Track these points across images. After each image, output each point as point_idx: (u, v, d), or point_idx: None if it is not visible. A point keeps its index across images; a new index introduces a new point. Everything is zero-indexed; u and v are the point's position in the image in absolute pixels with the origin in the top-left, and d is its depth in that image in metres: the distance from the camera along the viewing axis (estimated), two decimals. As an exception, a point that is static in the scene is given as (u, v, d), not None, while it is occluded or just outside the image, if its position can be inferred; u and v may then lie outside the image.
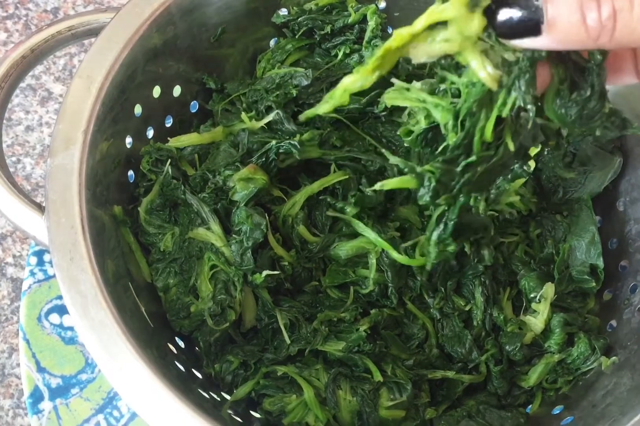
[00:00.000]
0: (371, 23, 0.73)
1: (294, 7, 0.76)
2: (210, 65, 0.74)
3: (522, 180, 0.67)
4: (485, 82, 0.41)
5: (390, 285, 0.65)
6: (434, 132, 0.48)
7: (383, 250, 0.64)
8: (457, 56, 0.42)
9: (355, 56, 0.74)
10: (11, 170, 0.81)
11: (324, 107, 0.49)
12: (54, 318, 0.77)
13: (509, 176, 0.48)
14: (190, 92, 0.74)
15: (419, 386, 0.65)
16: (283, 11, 0.76)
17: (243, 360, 0.64)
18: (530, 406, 0.67)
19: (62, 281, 0.54)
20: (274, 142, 0.66)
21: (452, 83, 0.44)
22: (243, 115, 0.69)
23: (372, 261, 0.65)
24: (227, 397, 0.63)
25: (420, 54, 0.43)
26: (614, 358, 0.64)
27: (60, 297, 0.77)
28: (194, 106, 0.75)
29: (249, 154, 0.67)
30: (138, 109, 0.66)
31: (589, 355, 0.65)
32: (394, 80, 0.48)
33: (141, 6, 0.63)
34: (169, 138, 0.69)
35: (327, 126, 0.72)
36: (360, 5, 0.75)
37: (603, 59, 0.41)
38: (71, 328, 0.77)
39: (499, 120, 0.44)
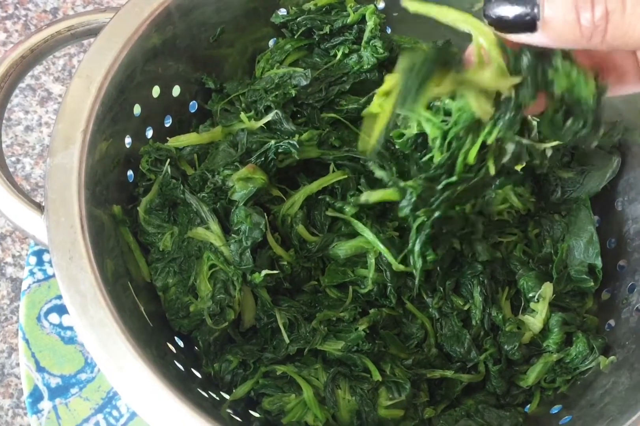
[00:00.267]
0: (370, 23, 0.73)
1: (293, 7, 0.76)
2: (209, 65, 0.74)
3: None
4: (477, 114, 0.42)
5: (389, 284, 0.65)
6: (423, 138, 0.49)
7: None
8: None
9: (354, 56, 0.74)
10: (10, 170, 0.81)
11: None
12: (54, 317, 0.77)
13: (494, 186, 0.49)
14: (189, 92, 0.74)
15: (418, 386, 0.65)
16: (282, 11, 0.76)
17: (242, 359, 0.64)
18: (528, 405, 0.68)
19: (62, 280, 0.54)
20: (273, 141, 0.66)
21: (446, 103, 0.45)
22: (242, 115, 0.69)
23: (371, 261, 0.65)
24: (227, 396, 0.64)
25: None
26: (612, 357, 0.64)
27: (59, 297, 0.77)
28: (193, 106, 0.75)
29: (248, 154, 0.67)
30: (137, 109, 0.66)
31: (587, 355, 0.65)
32: None
33: (140, 6, 0.63)
34: (168, 138, 0.70)
35: (325, 126, 0.72)
36: (359, 6, 0.76)
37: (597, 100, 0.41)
38: (70, 328, 0.77)
39: (484, 145, 0.45)
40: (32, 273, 0.78)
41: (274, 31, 0.77)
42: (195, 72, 0.73)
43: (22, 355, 0.75)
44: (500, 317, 0.66)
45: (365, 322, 0.64)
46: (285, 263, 0.65)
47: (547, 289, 0.67)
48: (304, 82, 0.71)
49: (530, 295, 0.67)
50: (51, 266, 0.78)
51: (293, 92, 0.70)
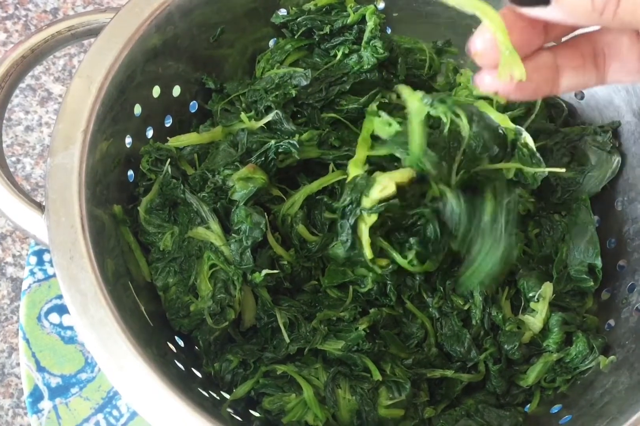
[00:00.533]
0: (370, 23, 0.73)
1: (293, 8, 0.76)
2: (209, 65, 0.74)
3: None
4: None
5: (388, 282, 0.65)
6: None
7: (382, 248, 0.64)
8: None
9: (354, 56, 0.74)
10: (11, 170, 0.81)
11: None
12: (54, 317, 0.77)
13: None
14: (189, 92, 0.74)
15: (418, 386, 0.66)
16: (282, 11, 0.76)
17: (242, 359, 0.64)
18: (528, 405, 0.68)
19: (62, 280, 0.54)
20: (273, 141, 0.66)
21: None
22: (242, 115, 0.69)
23: (371, 259, 0.65)
24: (227, 396, 0.64)
25: None
26: (612, 357, 0.64)
27: (60, 297, 0.77)
28: (194, 106, 0.75)
29: (248, 154, 0.67)
30: (138, 109, 0.66)
31: (587, 354, 0.65)
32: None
33: (141, 6, 0.64)
34: (168, 138, 0.70)
35: (326, 126, 0.72)
36: (359, 6, 0.76)
37: None
38: (71, 328, 0.77)
39: None
40: (32, 273, 0.78)
41: (274, 31, 0.77)
42: (196, 72, 0.73)
43: (23, 354, 0.75)
44: (500, 316, 0.66)
45: (366, 322, 0.64)
46: (286, 262, 0.65)
47: (547, 289, 0.67)
48: (304, 82, 0.72)
49: (530, 294, 0.67)
50: (51, 266, 0.78)
51: (293, 92, 0.71)
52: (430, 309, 0.68)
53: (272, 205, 0.67)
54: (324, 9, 0.76)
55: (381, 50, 0.72)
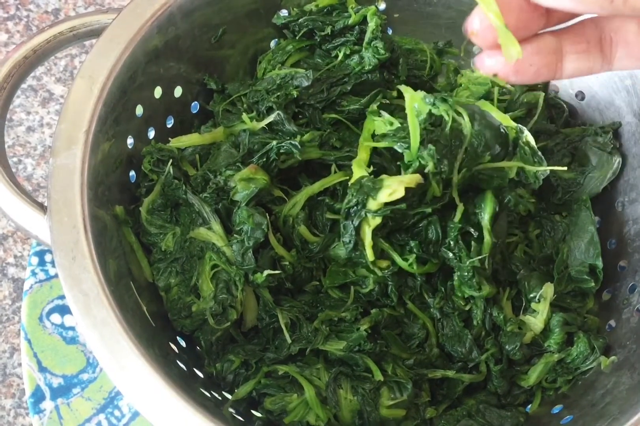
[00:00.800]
0: (371, 24, 0.73)
1: (295, 9, 0.76)
2: (211, 66, 0.74)
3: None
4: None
5: (390, 283, 0.65)
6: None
7: (382, 249, 0.64)
8: None
9: (356, 57, 0.74)
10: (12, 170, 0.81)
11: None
12: (55, 318, 0.77)
13: None
14: (191, 93, 0.74)
15: (420, 386, 0.66)
16: (283, 12, 0.76)
17: (244, 359, 0.64)
18: (530, 405, 0.68)
19: (64, 280, 0.54)
20: (274, 142, 0.66)
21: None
22: (244, 115, 0.69)
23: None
24: (229, 396, 0.64)
25: None
26: (613, 357, 0.64)
27: (61, 297, 0.77)
28: (195, 107, 0.75)
29: (249, 154, 0.68)
30: (139, 110, 0.66)
31: (588, 355, 0.65)
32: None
33: (143, 7, 0.64)
34: (170, 139, 0.70)
35: (327, 127, 0.72)
36: (360, 7, 0.76)
37: None
38: (72, 328, 0.77)
39: None
40: (34, 273, 0.78)
41: (275, 32, 0.77)
42: (197, 73, 0.73)
43: (24, 355, 0.75)
44: (502, 317, 0.66)
45: (367, 322, 0.65)
46: (287, 263, 0.65)
47: (548, 289, 0.67)
48: (305, 83, 0.72)
49: (531, 295, 0.67)
50: (53, 266, 0.78)
51: (295, 93, 0.71)
52: (431, 309, 0.68)
53: (273, 206, 0.67)
54: (325, 10, 0.76)
55: (382, 51, 0.72)
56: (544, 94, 0.74)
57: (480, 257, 0.62)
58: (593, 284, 0.69)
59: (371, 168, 0.63)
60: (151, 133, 0.70)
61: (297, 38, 0.76)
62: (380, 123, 0.65)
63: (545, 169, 0.63)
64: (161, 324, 0.64)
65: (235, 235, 0.63)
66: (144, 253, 0.66)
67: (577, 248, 0.70)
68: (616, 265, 0.71)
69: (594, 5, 0.36)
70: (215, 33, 0.72)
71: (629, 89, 0.70)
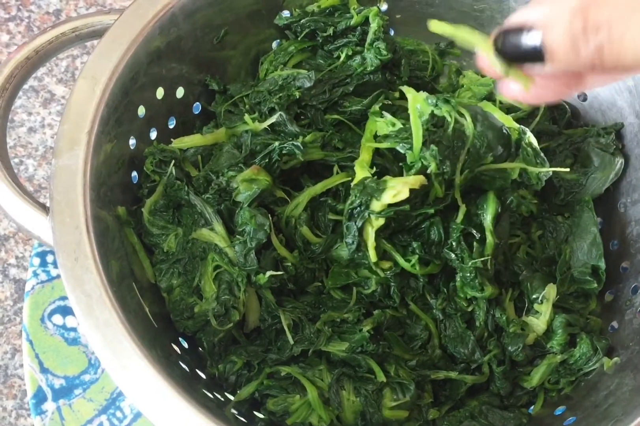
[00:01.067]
0: (373, 25, 0.73)
1: (297, 9, 0.76)
2: (213, 67, 0.74)
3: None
4: None
5: (392, 284, 0.65)
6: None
7: (385, 250, 0.64)
8: None
9: (358, 58, 0.74)
10: (14, 171, 0.81)
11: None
12: (57, 319, 0.77)
13: None
14: (193, 94, 0.74)
15: (422, 387, 0.66)
16: (285, 13, 0.76)
17: (247, 360, 0.64)
18: (532, 406, 0.68)
19: (67, 281, 0.54)
20: (277, 143, 0.66)
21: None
22: (246, 116, 0.69)
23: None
24: (231, 397, 0.64)
25: None
26: (615, 358, 0.64)
27: (63, 298, 0.77)
28: (197, 107, 0.75)
29: (252, 155, 0.67)
30: (141, 110, 0.66)
31: (591, 356, 0.65)
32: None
33: (145, 8, 0.64)
34: (172, 140, 0.70)
35: (329, 128, 0.72)
36: (362, 8, 0.76)
37: None
38: (74, 329, 0.77)
39: None
40: (35, 274, 0.78)
41: (277, 33, 0.77)
42: (199, 74, 0.73)
43: (26, 356, 0.75)
44: (504, 318, 0.66)
45: (370, 323, 0.64)
46: (290, 264, 0.65)
47: (551, 290, 0.67)
48: (307, 84, 0.72)
49: (534, 296, 0.67)
50: (55, 267, 0.78)
51: (297, 94, 0.71)
52: (434, 311, 0.68)
53: (276, 207, 0.67)
54: (327, 11, 0.76)
55: (384, 52, 0.72)
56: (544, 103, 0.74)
57: (482, 259, 0.62)
58: (596, 285, 0.69)
59: (374, 169, 0.63)
60: (153, 134, 0.70)
61: (299, 39, 0.76)
62: (383, 124, 0.65)
63: (547, 170, 0.63)
64: (163, 325, 0.63)
65: (237, 236, 0.63)
66: (146, 254, 0.66)
67: (580, 249, 0.70)
68: (619, 266, 0.71)
69: (578, 68, 0.37)
70: (217, 34, 0.72)
71: (632, 89, 0.70)
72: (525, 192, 0.71)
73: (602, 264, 0.69)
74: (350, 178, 0.67)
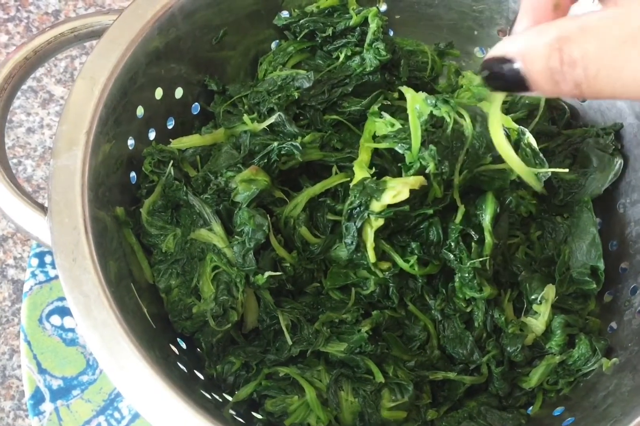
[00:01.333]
0: (372, 25, 0.73)
1: (296, 10, 0.76)
2: (212, 67, 0.74)
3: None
4: None
5: (391, 285, 0.65)
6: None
7: (384, 250, 0.64)
8: None
9: (357, 58, 0.74)
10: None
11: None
12: (55, 319, 0.77)
13: None
14: (192, 94, 0.74)
15: (421, 388, 0.66)
16: (284, 13, 0.76)
17: (245, 361, 0.64)
18: (531, 407, 0.68)
19: (65, 281, 0.54)
20: (275, 143, 0.66)
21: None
22: (245, 117, 0.69)
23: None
24: (229, 398, 0.64)
25: None
26: (614, 359, 0.64)
27: (61, 299, 0.77)
28: (196, 108, 0.75)
29: (250, 156, 0.67)
30: (140, 111, 0.66)
31: (590, 357, 0.65)
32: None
33: (143, 8, 0.64)
34: (170, 140, 0.70)
35: (328, 128, 0.72)
36: (361, 8, 0.76)
37: None
38: (72, 330, 0.77)
39: None
40: (33, 275, 0.78)
41: (276, 33, 0.77)
42: (198, 74, 0.73)
43: (24, 356, 0.75)
44: (503, 318, 0.66)
45: (368, 324, 0.64)
46: (288, 264, 0.65)
47: (550, 291, 0.67)
48: (306, 84, 0.72)
49: (533, 297, 0.67)
50: (53, 268, 0.78)
51: (296, 94, 0.71)
52: (432, 311, 0.67)
53: (274, 207, 0.67)
54: (326, 11, 0.76)
55: (383, 53, 0.72)
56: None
57: (480, 259, 0.62)
58: (594, 286, 0.68)
59: (373, 169, 0.63)
60: (152, 135, 0.70)
61: (298, 39, 0.76)
62: (381, 124, 0.65)
63: (546, 171, 0.63)
64: (162, 326, 0.63)
65: (236, 236, 0.63)
66: (144, 254, 0.66)
67: (579, 249, 0.70)
68: (618, 267, 0.71)
69: (562, 96, 0.38)
70: (216, 34, 0.72)
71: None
72: (524, 192, 0.71)
73: (601, 265, 0.68)
74: (349, 179, 0.67)
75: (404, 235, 0.65)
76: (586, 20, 0.35)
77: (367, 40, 0.73)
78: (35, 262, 0.79)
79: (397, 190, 0.58)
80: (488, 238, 0.63)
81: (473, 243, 0.63)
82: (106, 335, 0.53)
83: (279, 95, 0.71)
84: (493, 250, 0.63)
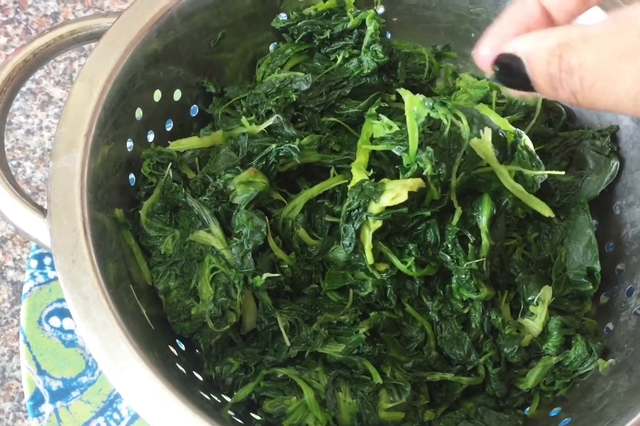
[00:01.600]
0: (370, 28, 0.74)
1: (293, 12, 0.76)
2: (210, 70, 0.75)
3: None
4: None
5: (389, 286, 0.65)
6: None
7: (381, 252, 0.64)
8: None
9: (355, 61, 0.74)
10: (11, 173, 0.81)
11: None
12: (55, 321, 0.77)
13: None
14: (190, 96, 0.74)
15: (418, 389, 0.66)
16: (282, 16, 0.77)
17: (243, 362, 0.64)
18: (528, 408, 0.68)
19: (64, 283, 0.54)
20: (273, 145, 0.66)
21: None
22: (243, 119, 0.70)
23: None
24: (228, 399, 0.64)
25: None
26: (611, 360, 0.65)
27: (60, 300, 0.78)
28: (194, 110, 0.76)
29: (249, 158, 0.68)
30: (139, 113, 0.67)
31: (586, 357, 0.65)
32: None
33: (142, 10, 0.64)
34: (169, 142, 0.70)
35: (326, 130, 0.72)
36: (359, 11, 0.76)
37: None
38: (71, 331, 0.77)
39: None
40: (33, 276, 0.78)
41: (274, 36, 0.78)
42: (196, 76, 0.74)
43: (23, 358, 0.75)
44: (500, 320, 0.66)
45: (366, 325, 0.65)
46: (286, 266, 0.65)
47: (546, 292, 0.67)
48: (304, 87, 0.72)
49: (530, 298, 0.67)
50: (52, 269, 0.78)
51: (294, 97, 0.71)
52: (430, 312, 0.68)
53: (272, 209, 0.67)
54: (324, 14, 0.76)
55: (381, 55, 0.73)
56: (542, 97, 0.75)
57: (477, 260, 0.63)
58: (591, 287, 0.69)
59: (371, 171, 0.63)
60: (150, 137, 0.70)
61: (296, 42, 0.76)
62: (379, 126, 0.66)
63: (543, 173, 0.63)
64: (160, 327, 0.64)
65: (234, 238, 0.63)
66: (143, 256, 0.66)
67: (575, 251, 0.70)
68: (614, 268, 0.71)
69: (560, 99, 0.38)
70: (215, 37, 0.72)
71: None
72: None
73: (598, 266, 0.69)
74: (347, 181, 0.68)
75: (401, 236, 0.65)
76: (588, 30, 0.35)
77: (365, 43, 0.74)
78: (34, 263, 0.79)
79: (395, 192, 0.58)
80: (485, 240, 0.63)
81: (470, 245, 0.63)
82: (105, 336, 0.53)
83: (277, 97, 0.71)
84: (490, 251, 0.64)
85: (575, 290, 0.70)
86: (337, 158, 0.70)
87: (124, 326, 0.54)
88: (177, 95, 0.72)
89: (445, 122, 0.60)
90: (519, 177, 0.62)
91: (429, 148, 0.59)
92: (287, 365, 0.65)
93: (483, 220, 0.63)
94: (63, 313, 0.77)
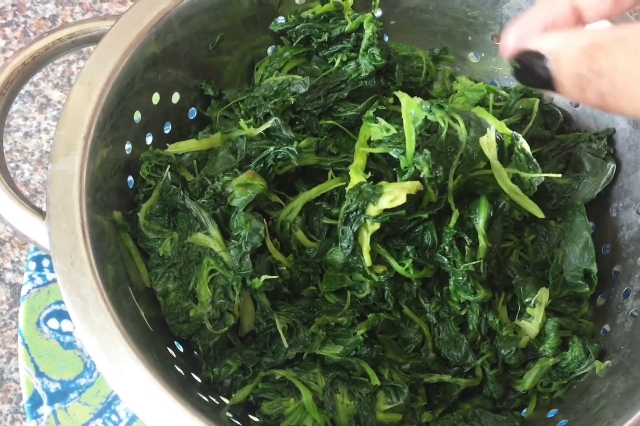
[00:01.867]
0: (368, 31, 0.74)
1: (291, 15, 0.76)
2: (208, 72, 0.75)
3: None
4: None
5: (386, 288, 0.66)
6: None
7: (379, 254, 0.65)
8: None
9: (352, 64, 0.74)
10: (10, 176, 0.81)
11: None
12: (53, 323, 0.77)
13: None
14: (188, 99, 0.74)
15: (416, 390, 0.66)
16: (280, 19, 0.77)
17: (241, 364, 0.65)
18: (525, 409, 0.68)
19: (63, 285, 0.55)
20: (272, 148, 0.67)
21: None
22: (241, 122, 0.70)
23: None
24: (226, 401, 0.64)
25: None
26: (607, 362, 0.65)
27: (59, 302, 0.78)
28: (193, 113, 0.76)
29: (247, 160, 0.68)
30: (137, 116, 0.67)
31: (583, 359, 0.66)
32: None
33: (141, 14, 0.64)
34: (167, 145, 0.70)
35: (324, 133, 0.72)
36: (356, 14, 0.76)
37: None
38: (70, 333, 0.77)
39: None
40: (31, 278, 0.78)
41: (272, 39, 0.78)
42: (195, 79, 0.74)
43: (22, 360, 0.75)
44: (497, 321, 0.66)
45: (364, 327, 0.65)
46: (284, 268, 0.65)
47: (543, 294, 0.67)
48: (302, 90, 0.72)
49: (527, 300, 0.68)
50: (50, 271, 0.78)
51: (292, 99, 0.71)
52: (427, 314, 0.68)
53: (271, 212, 0.67)
54: (322, 17, 0.76)
55: (379, 58, 0.73)
56: (539, 100, 0.75)
57: (474, 262, 0.63)
58: (588, 289, 0.69)
59: (368, 174, 0.63)
60: (149, 139, 0.70)
61: (294, 45, 0.77)
62: (377, 129, 0.66)
63: (540, 176, 0.63)
64: (159, 329, 0.64)
65: (232, 240, 0.64)
66: (141, 258, 0.67)
67: (572, 253, 0.70)
68: (610, 270, 0.71)
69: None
70: (213, 40, 0.72)
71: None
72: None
73: (594, 268, 0.69)
74: (344, 183, 0.68)
75: (399, 238, 0.65)
76: (622, 32, 0.34)
77: (363, 46, 0.74)
78: (32, 265, 0.79)
79: (394, 194, 0.59)
80: (482, 242, 0.63)
81: (467, 247, 0.63)
82: (104, 338, 0.53)
83: (275, 100, 0.71)
84: (487, 253, 0.64)
85: (572, 292, 0.70)
86: (335, 160, 0.70)
87: (123, 328, 0.54)
88: (176, 97, 0.72)
89: (442, 124, 0.60)
90: (515, 180, 0.63)
91: (426, 150, 0.59)
92: (285, 367, 0.65)
93: (480, 223, 0.64)
94: (61, 315, 0.77)
